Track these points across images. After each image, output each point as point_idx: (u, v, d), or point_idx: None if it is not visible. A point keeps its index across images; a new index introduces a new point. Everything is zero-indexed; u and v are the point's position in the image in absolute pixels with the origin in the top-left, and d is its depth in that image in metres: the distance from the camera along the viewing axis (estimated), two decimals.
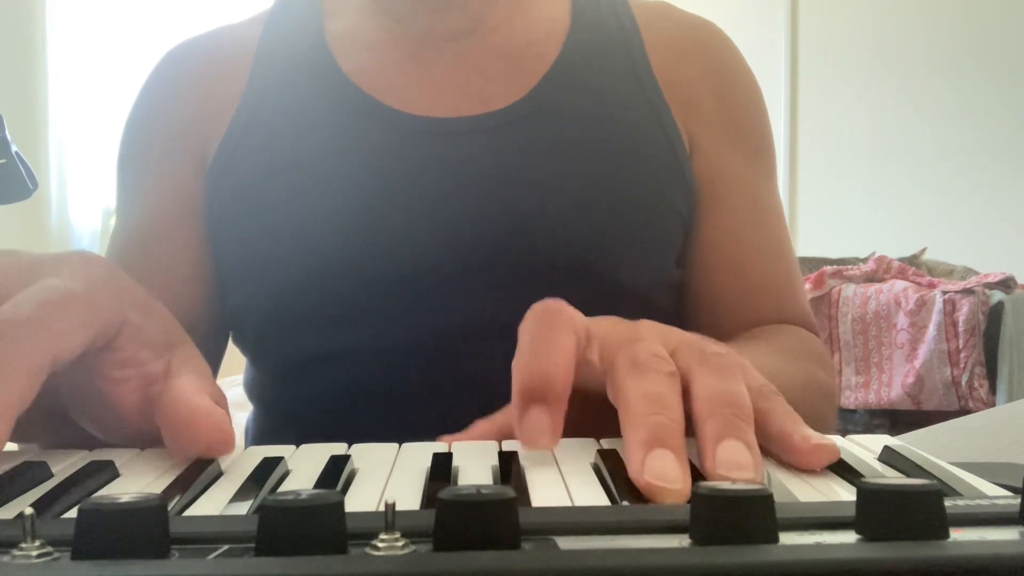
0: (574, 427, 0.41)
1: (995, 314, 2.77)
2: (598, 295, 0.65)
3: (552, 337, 0.36)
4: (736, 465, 0.32)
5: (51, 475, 0.34)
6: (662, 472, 0.31)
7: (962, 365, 2.76)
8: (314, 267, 0.65)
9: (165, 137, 0.71)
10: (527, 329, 0.37)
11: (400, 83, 0.69)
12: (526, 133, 0.67)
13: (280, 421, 0.71)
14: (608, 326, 0.40)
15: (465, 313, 0.64)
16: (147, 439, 0.38)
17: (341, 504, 0.23)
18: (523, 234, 0.65)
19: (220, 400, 0.38)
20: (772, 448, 0.35)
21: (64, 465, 0.36)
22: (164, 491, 0.31)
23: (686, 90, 0.72)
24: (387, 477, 0.34)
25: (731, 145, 0.73)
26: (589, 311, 0.67)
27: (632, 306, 0.66)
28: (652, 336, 0.39)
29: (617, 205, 0.67)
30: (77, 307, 0.34)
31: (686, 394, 0.35)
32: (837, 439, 0.38)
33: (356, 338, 0.65)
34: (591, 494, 0.31)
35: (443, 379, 0.64)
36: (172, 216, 0.70)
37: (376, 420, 0.65)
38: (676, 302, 0.72)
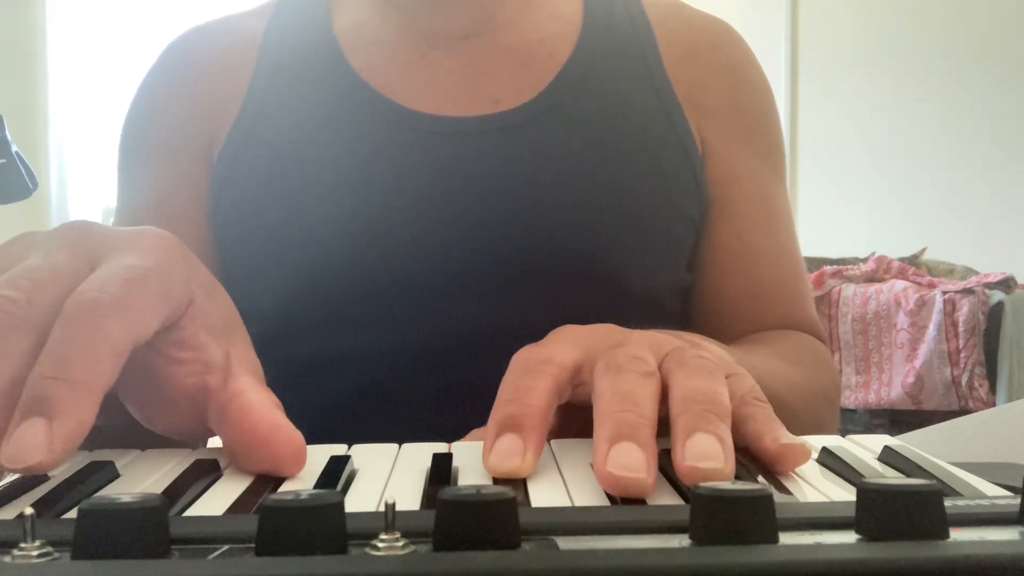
0: (575, 434, 0.41)
1: (995, 314, 2.77)
2: (608, 299, 0.64)
3: (530, 383, 0.36)
4: (703, 455, 0.31)
5: (51, 475, 0.34)
6: (625, 462, 0.30)
7: (962, 365, 2.76)
8: (319, 267, 0.64)
9: (168, 130, 0.70)
10: (507, 377, 0.37)
11: (410, 81, 0.68)
12: (536, 134, 0.66)
13: None
14: (601, 339, 0.39)
15: (474, 316, 0.63)
16: (191, 428, 0.37)
17: (341, 504, 0.23)
18: (531, 236, 0.64)
19: (276, 404, 0.37)
20: (750, 451, 0.35)
21: (64, 465, 0.35)
22: (164, 491, 0.31)
23: (698, 91, 0.71)
24: (387, 477, 0.34)
25: (742, 147, 0.72)
26: (598, 315, 0.67)
27: (642, 311, 0.66)
28: (639, 342, 0.38)
29: (628, 208, 0.66)
30: (156, 287, 0.34)
31: (666, 398, 0.35)
32: (837, 439, 0.38)
33: (362, 340, 0.64)
34: (591, 494, 0.31)
35: (450, 382, 0.63)
36: (176, 210, 0.69)
37: (382, 423, 0.64)
38: (685, 305, 0.71)
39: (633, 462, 0.30)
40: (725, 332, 0.70)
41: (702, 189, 0.70)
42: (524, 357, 0.38)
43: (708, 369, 0.36)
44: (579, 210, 0.65)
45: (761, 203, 0.72)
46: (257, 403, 0.35)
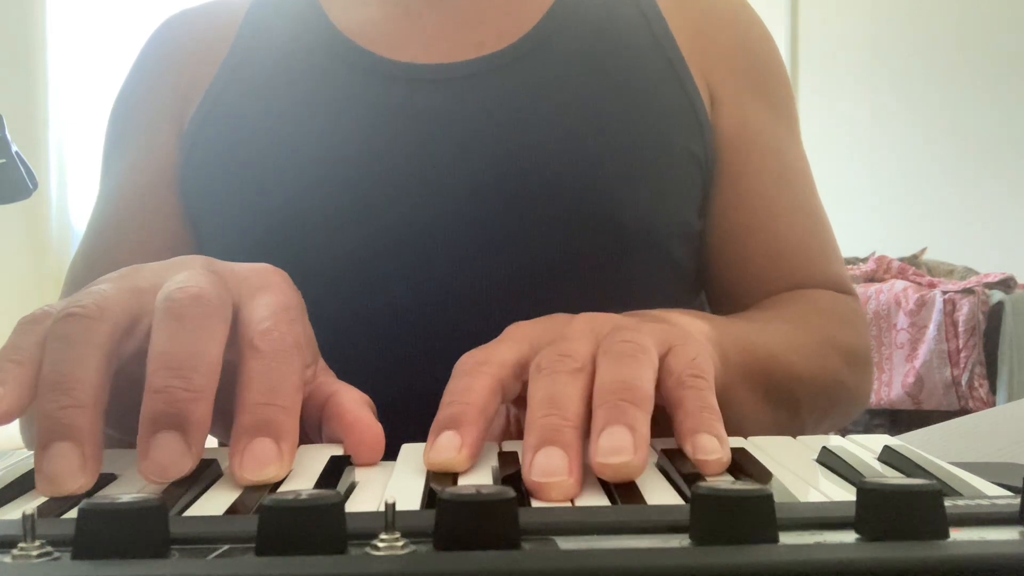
0: None
1: (995, 314, 2.77)
2: (604, 239, 0.63)
3: (467, 384, 0.38)
4: (613, 450, 0.32)
5: None
6: (546, 467, 0.31)
7: (962, 365, 2.76)
8: (307, 225, 0.62)
9: (145, 113, 0.70)
10: (448, 383, 0.38)
11: (392, 32, 0.67)
12: (521, 73, 0.65)
13: None
14: (544, 332, 0.40)
15: (465, 263, 0.61)
16: None
17: (341, 504, 0.23)
18: (520, 176, 0.62)
19: (366, 402, 0.41)
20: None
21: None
22: (164, 491, 0.31)
23: (702, 41, 0.70)
24: (387, 477, 0.34)
25: (753, 98, 0.70)
26: (595, 258, 0.64)
27: (645, 256, 0.64)
28: (579, 331, 0.39)
29: (618, 140, 0.64)
30: (305, 325, 0.40)
31: None
32: (837, 439, 0.38)
33: (347, 296, 0.62)
34: (591, 494, 0.31)
35: (443, 334, 0.61)
36: (149, 193, 0.68)
37: (374, 390, 0.62)
38: (696, 259, 0.69)
39: (554, 466, 0.31)
40: (745, 290, 0.68)
41: (705, 126, 0.68)
42: (463, 362, 0.39)
43: (630, 353, 0.36)
44: (566, 143, 0.63)
45: (775, 154, 0.70)
46: (348, 401, 0.40)
